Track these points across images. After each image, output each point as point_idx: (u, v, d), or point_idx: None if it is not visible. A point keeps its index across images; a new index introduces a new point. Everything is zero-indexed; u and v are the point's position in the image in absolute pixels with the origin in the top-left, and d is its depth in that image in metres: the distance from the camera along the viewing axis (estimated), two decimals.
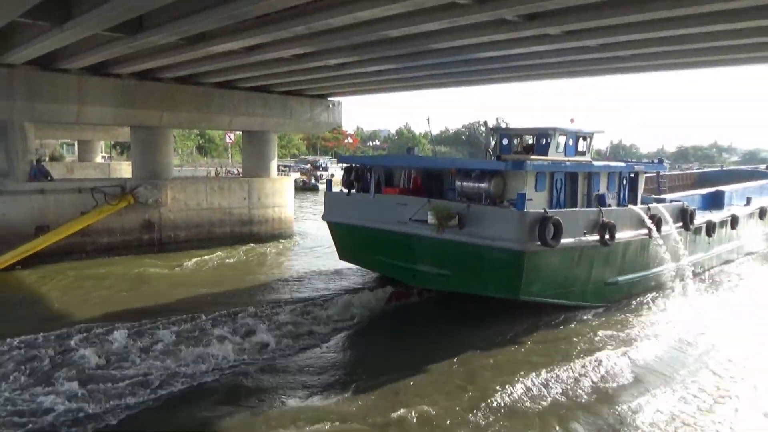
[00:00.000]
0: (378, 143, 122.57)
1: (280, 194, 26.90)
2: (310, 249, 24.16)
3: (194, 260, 20.45)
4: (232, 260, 21.21)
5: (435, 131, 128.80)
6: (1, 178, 19.40)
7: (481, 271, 13.78)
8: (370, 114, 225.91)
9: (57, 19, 13.25)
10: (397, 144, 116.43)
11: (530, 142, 16.95)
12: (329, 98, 27.98)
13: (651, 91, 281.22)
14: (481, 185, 14.37)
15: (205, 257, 21.04)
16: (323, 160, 67.48)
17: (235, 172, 47.62)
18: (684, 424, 9.33)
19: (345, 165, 18.38)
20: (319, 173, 58.79)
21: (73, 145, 52.98)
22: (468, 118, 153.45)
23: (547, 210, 13.47)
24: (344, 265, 19.72)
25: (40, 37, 14.77)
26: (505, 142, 17.40)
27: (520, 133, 17.25)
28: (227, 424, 9.01)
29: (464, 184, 14.78)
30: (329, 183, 19.12)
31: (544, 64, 17.91)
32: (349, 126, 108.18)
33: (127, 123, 23.02)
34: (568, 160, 16.12)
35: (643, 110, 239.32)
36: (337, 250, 17.97)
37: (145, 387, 10.02)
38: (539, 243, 13.01)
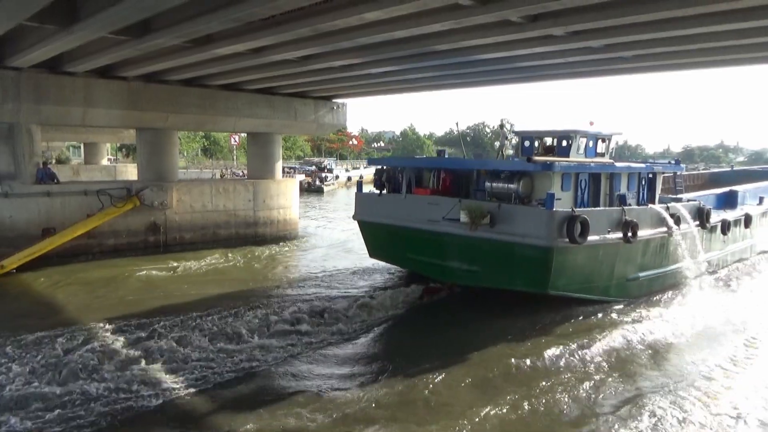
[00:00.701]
0: (383, 144, 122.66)
1: (285, 196, 26.99)
2: (317, 250, 24.22)
3: (201, 262, 20.53)
4: (239, 261, 21.28)
5: (439, 133, 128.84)
6: (8, 180, 19.52)
7: (512, 267, 14.40)
8: (375, 116, 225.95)
9: (64, 22, 13.36)
10: (401, 145, 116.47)
11: (551, 143, 17.56)
12: (334, 100, 28.06)
13: (655, 91, 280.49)
14: (511, 186, 15.06)
15: (212, 259, 21.13)
16: (328, 162, 67.50)
17: (240, 173, 47.75)
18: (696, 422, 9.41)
19: (376, 167, 19.17)
20: (324, 175, 58.83)
21: (80, 147, 53.28)
22: (472, 119, 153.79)
23: (574, 209, 14.10)
24: (355, 264, 20.29)
25: (47, 41, 14.87)
26: (527, 144, 18.12)
27: (541, 135, 17.91)
28: (260, 414, 9.27)
29: (494, 184, 15.44)
30: (360, 184, 19.73)
31: (548, 65, 17.94)
32: (353, 127, 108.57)
33: (133, 125, 23.14)
34: (592, 162, 16.71)
35: (648, 110, 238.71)
36: (367, 248, 18.60)
37: (176, 378, 10.38)
38: (567, 240, 13.63)
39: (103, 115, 21.13)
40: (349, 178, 67.15)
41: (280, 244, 24.86)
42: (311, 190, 53.52)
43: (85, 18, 12.84)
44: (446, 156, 19.77)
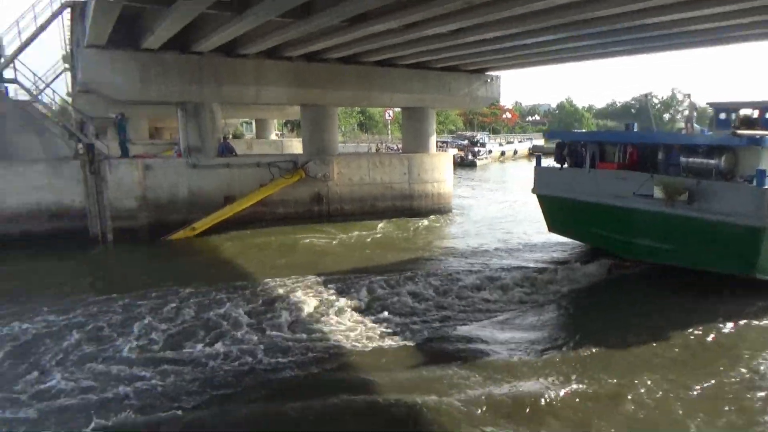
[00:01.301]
0: (538, 118, 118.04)
1: (438, 170, 27.22)
2: (474, 223, 24.18)
3: (363, 231, 21.66)
4: (400, 232, 22.06)
5: (600, 105, 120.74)
6: (196, 153, 22.08)
7: (713, 246, 13.58)
8: (530, 88, 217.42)
9: (238, 8, 14.68)
10: (557, 118, 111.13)
11: (750, 115, 16.06)
12: (487, 73, 27.54)
13: None
14: (711, 161, 13.99)
15: (372, 228, 22.23)
16: (481, 136, 66.65)
17: (395, 147, 48.97)
18: None
19: (557, 141, 18.88)
20: (476, 149, 58.26)
21: (251, 123, 58.26)
22: (635, 90, 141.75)
23: None
24: (522, 238, 20.37)
25: (223, 26, 16.43)
26: (722, 116, 16.80)
27: (739, 106, 16.50)
28: (451, 371, 9.78)
29: (690, 159, 14.45)
30: (539, 158, 19.67)
31: (733, 26, 15.90)
32: (507, 101, 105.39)
33: (298, 102, 24.74)
34: None
35: None
36: (546, 222, 18.62)
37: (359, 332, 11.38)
38: None
39: (273, 93, 22.89)
40: (502, 153, 65.79)
41: (436, 216, 25.30)
42: (464, 164, 53.27)
43: (256, 3, 13.97)
44: (635, 129, 18.69)
